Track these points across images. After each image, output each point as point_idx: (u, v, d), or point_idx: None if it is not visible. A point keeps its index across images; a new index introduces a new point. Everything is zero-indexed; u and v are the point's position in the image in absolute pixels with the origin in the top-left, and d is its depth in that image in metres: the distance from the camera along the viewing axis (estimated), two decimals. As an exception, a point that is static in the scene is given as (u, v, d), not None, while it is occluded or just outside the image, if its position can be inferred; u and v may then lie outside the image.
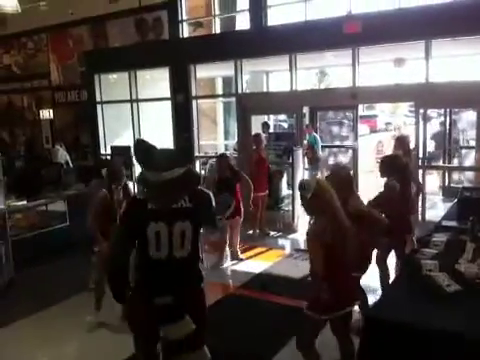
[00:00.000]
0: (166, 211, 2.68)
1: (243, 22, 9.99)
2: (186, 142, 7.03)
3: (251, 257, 6.81)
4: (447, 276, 3.13)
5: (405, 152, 5.94)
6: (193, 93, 9.82)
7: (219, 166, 6.46)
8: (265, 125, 10.61)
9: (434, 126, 10.74)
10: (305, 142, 9.28)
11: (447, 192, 9.23)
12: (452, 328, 2.60)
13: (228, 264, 6.54)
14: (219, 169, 6.43)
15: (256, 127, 9.33)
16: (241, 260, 6.64)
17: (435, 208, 8.50)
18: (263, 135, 8.16)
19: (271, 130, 11.20)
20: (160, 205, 2.69)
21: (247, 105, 8.86)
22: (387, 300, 3.23)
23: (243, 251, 6.89)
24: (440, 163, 9.74)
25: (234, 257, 6.67)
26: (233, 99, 9.91)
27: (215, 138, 13.19)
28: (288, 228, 7.98)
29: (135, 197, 3.59)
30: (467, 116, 10.79)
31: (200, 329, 2.76)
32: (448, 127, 9.83)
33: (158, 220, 2.65)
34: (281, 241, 7.71)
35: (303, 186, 3.17)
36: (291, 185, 8.41)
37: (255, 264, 6.48)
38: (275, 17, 9.23)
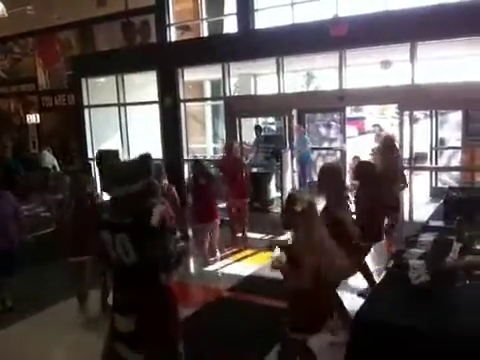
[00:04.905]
0: (112, 222, 2.86)
1: (231, 25, 10.01)
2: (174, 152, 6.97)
3: (239, 260, 6.80)
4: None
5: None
6: (181, 96, 9.81)
7: (195, 172, 6.60)
8: (257, 128, 10.65)
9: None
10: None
11: (434, 192, 9.29)
12: (439, 327, 2.62)
13: (216, 267, 6.53)
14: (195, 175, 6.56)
15: (246, 130, 9.33)
16: (221, 260, 6.71)
17: (422, 208, 8.54)
18: (236, 145, 7.70)
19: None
20: (116, 219, 2.85)
21: (235, 108, 8.86)
22: (374, 301, 3.24)
23: (231, 254, 6.92)
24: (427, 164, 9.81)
25: (214, 258, 6.73)
26: (221, 102, 9.92)
27: (204, 141, 13.18)
28: (276, 230, 7.97)
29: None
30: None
31: (144, 334, 2.81)
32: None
33: (105, 228, 2.86)
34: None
35: (294, 201, 3.09)
36: (280, 188, 8.40)
37: (243, 267, 6.47)
38: (262, 20, 9.25)
